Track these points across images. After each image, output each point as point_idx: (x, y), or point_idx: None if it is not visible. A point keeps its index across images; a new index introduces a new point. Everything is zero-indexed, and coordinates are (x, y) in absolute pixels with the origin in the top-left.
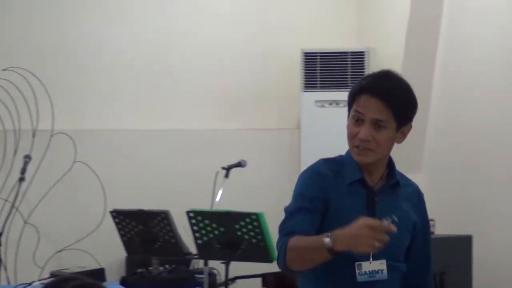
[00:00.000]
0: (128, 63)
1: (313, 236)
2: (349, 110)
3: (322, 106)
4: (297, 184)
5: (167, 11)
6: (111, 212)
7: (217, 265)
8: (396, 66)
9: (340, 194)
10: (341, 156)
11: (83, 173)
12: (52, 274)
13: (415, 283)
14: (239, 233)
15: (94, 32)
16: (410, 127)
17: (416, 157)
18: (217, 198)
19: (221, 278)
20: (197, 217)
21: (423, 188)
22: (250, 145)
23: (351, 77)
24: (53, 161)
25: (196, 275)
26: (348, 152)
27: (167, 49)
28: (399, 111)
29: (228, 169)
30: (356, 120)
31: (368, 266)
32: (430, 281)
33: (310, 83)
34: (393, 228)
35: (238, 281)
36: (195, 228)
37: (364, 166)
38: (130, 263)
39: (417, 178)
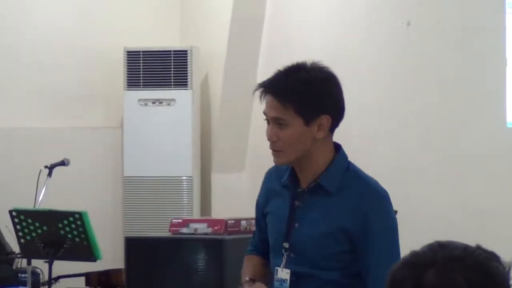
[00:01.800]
0: None
1: (248, 269)
2: None
3: (146, 104)
4: None
5: None
6: None
7: (40, 264)
8: (219, 64)
9: (276, 195)
10: None
11: None
12: None
13: None
14: (62, 232)
15: None
16: (327, 118)
17: (240, 156)
18: (40, 197)
19: (44, 277)
20: (20, 216)
21: (245, 188)
22: (74, 144)
23: (174, 76)
24: None
25: (20, 274)
26: None
27: None
28: (299, 106)
29: (51, 168)
30: (267, 121)
31: (280, 273)
32: None
33: (133, 82)
34: None
35: (61, 280)
36: (18, 227)
37: (295, 167)
38: None
39: (240, 177)
